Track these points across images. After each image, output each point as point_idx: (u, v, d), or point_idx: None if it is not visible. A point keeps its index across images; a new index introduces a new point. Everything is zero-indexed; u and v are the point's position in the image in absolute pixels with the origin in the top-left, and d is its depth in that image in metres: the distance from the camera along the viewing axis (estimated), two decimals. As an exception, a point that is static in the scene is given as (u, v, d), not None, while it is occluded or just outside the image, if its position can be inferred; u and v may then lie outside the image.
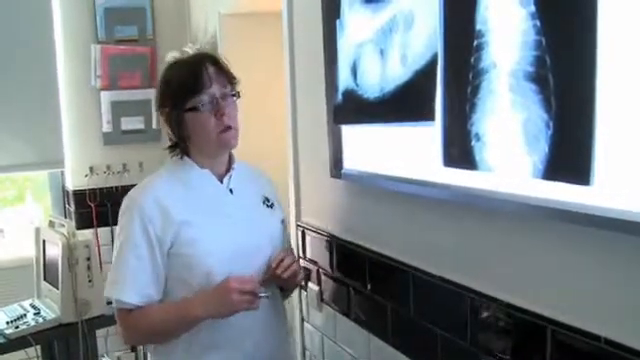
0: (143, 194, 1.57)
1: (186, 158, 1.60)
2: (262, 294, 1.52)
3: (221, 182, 1.62)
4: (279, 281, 1.64)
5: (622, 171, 0.89)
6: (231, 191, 1.62)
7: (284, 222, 1.76)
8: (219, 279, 1.50)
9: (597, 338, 0.98)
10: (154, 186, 1.59)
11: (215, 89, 1.53)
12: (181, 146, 1.60)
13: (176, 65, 1.58)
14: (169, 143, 1.65)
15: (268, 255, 1.62)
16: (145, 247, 1.52)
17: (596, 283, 1.00)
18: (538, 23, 1.00)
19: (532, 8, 1.01)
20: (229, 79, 1.58)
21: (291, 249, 1.79)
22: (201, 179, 1.60)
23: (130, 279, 1.53)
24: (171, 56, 1.61)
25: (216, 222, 1.58)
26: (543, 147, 1.00)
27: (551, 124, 0.99)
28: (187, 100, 1.52)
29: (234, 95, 1.58)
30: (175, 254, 1.53)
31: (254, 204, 1.68)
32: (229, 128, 1.54)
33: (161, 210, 1.52)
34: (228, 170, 1.63)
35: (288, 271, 1.59)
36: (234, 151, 1.65)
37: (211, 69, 1.54)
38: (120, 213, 1.58)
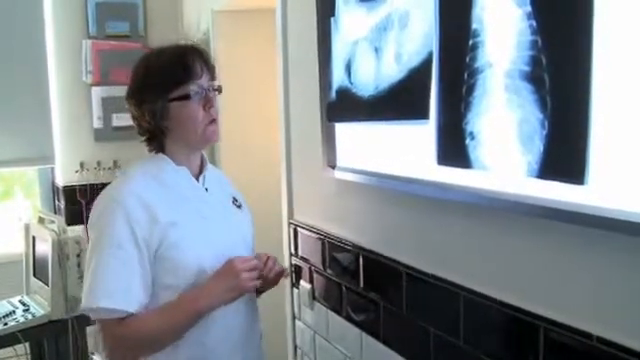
0: (125, 193, 1.46)
1: (161, 154, 1.53)
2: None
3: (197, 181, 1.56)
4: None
5: (616, 171, 0.89)
6: (206, 190, 1.57)
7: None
8: (204, 282, 1.45)
9: (589, 336, 0.99)
10: (136, 183, 1.49)
11: (204, 80, 1.48)
12: (157, 141, 1.53)
13: (159, 53, 1.51)
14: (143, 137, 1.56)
15: (243, 255, 1.55)
16: (133, 250, 1.41)
17: (589, 282, 1.01)
18: (534, 23, 1.00)
19: (528, 8, 1.01)
20: (213, 73, 1.53)
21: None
22: (178, 177, 1.52)
23: (120, 285, 1.40)
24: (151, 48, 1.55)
25: (197, 223, 1.50)
26: (538, 146, 1.01)
27: (546, 123, 0.99)
28: (175, 88, 1.45)
29: (217, 90, 1.53)
30: (161, 257, 1.44)
31: (227, 204, 1.64)
32: (214, 121, 1.50)
33: (146, 210, 1.43)
34: (201, 170, 1.58)
35: (272, 272, 1.55)
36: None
37: (199, 60, 1.49)
38: (96, 215, 1.46)
